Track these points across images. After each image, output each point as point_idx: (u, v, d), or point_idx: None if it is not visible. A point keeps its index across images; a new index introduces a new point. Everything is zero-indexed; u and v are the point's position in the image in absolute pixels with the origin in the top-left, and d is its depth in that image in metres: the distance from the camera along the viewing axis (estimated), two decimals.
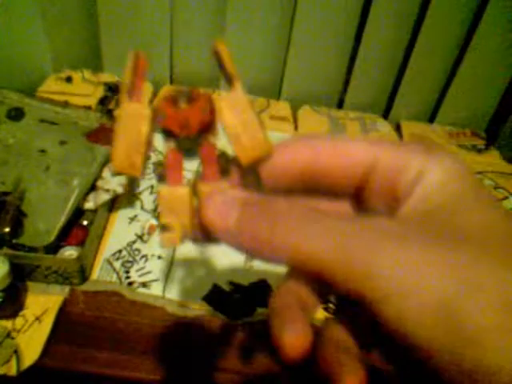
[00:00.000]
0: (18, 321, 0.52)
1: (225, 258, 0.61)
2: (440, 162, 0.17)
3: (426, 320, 0.14)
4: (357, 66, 0.88)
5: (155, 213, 0.65)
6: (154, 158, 0.73)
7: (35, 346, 0.49)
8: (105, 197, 0.60)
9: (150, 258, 0.60)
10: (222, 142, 0.19)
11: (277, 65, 0.91)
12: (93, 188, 0.62)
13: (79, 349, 0.51)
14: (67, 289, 0.55)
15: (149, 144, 0.18)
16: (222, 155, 0.19)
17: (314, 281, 0.18)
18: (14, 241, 0.54)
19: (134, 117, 0.17)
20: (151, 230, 0.64)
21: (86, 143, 0.69)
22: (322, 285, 0.17)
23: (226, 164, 0.19)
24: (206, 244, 0.19)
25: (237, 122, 0.18)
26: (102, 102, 0.83)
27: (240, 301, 0.57)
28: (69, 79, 0.87)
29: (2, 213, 0.56)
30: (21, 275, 0.54)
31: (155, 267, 0.59)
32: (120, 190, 0.61)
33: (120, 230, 0.63)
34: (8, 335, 0.50)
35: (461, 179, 0.17)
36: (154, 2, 0.82)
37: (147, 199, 0.68)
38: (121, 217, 0.65)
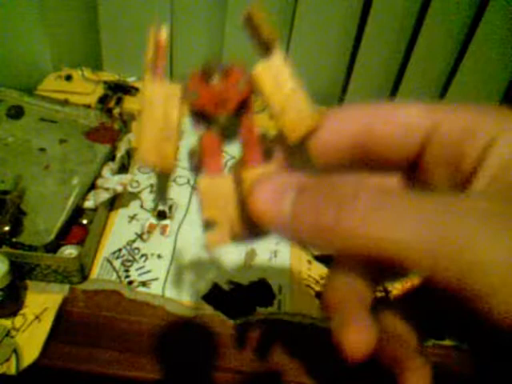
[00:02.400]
0: (18, 319, 0.51)
1: (225, 257, 0.61)
2: None
3: None
4: (357, 66, 0.88)
5: (154, 212, 0.65)
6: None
7: (35, 344, 0.49)
8: (105, 195, 0.60)
9: (149, 257, 0.60)
10: (260, 119, 0.17)
11: None
12: (92, 187, 0.62)
13: (79, 348, 0.50)
14: (67, 287, 0.55)
15: (179, 130, 0.15)
16: (263, 135, 0.17)
17: (373, 270, 0.16)
18: (13, 239, 0.54)
19: (163, 98, 0.15)
20: (151, 228, 0.64)
21: (86, 142, 0.69)
22: (378, 272, 0.15)
23: (267, 145, 0.17)
24: (253, 240, 0.17)
25: (279, 93, 0.16)
26: (102, 100, 0.83)
27: (240, 300, 0.57)
28: (68, 77, 0.87)
29: (2, 211, 0.55)
30: (20, 274, 0.54)
31: (155, 266, 0.59)
32: (120, 188, 0.61)
33: (120, 229, 0.63)
34: (7, 334, 0.50)
35: None
36: (154, 1, 0.82)
37: (147, 198, 0.68)
38: (120, 216, 0.65)
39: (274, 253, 0.63)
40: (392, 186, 0.19)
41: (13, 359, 0.48)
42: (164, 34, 0.15)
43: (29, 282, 0.55)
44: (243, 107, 0.16)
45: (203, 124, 0.16)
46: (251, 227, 0.16)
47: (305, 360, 0.53)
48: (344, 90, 0.94)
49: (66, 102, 0.74)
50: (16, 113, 0.71)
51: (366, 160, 0.18)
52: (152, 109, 0.15)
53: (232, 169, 0.17)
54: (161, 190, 0.17)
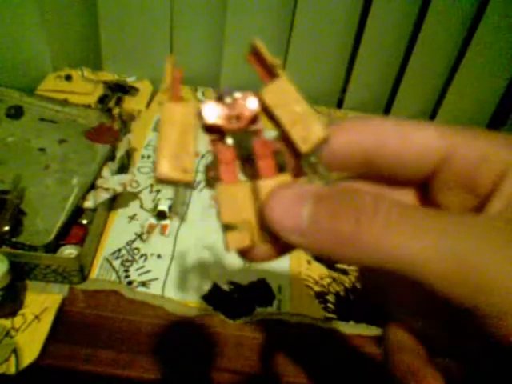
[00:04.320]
0: (17, 319, 0.51)
1: (224, 257, 0.61)
2: None
3: None
4: (356, 66, 0.89)
5: (154, 212, 0.65)
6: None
7: (34, 344, 0.49)
8: (104, 196, 0.60)
9: (149, 257, 0.60)
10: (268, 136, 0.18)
11: None
12: (92, 187, 0.62)
13: (78, 347, 0.50)
14: (66, 288, 0.55)
15: (196, 146, 0.17)
16: (276, 148, 0.18)
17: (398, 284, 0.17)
18: (13, 239, 0.54)
19: (180, 116, 0.16)
20: (150, 228, 0.64)
21: (86, 142, 0.69)
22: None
23: (280, 158, 0.18)
24: (274, 257, 0.17)
25: (288, 109, 0.17)
26: (102, 100, 0.83)
27: (239, 300, 0.57)
28: (68, 77, 0.87)
29: (2, 211, 0.55)
30: (20, 274, 0.54)
31: (154, 266, 0.59)
32: (119, 188, 0.61)
33: (119, 229, 0.63)
34: (7, 334, 0.50)
35: None
36: (153, 2, 0.82)
37: (146, 198, 0.68)
38: (120, 216, 0.65)
39: None
40: (406, 200, 0.19)
41: (12, 359, 0.48)
42: (179, 69, 0.17)
43: (28, 282, 0.55)
44: (252, 124, 0.17)
45: (218, 139, 0.17)
46: (269, 235, 0.17)
47: (304, 360, 0.53)
48: (344, 90, 0.94)
49: (65, 102, 0.74)
50: (16, 113, 0.71)
51: (375, 173, 0.18)
52: (171, 126, 0.16)
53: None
54: (179, 203, 0.18)
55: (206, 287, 0.58)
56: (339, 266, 0.63)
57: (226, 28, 0.84)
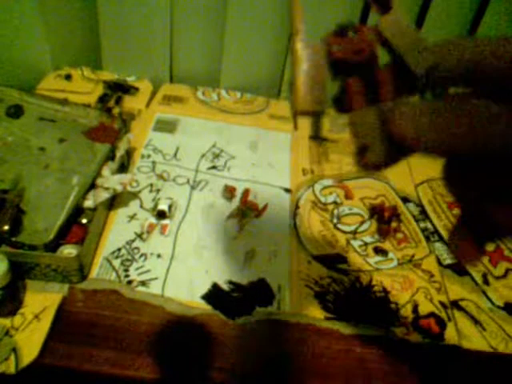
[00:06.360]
0: (17, 319, 0.51)
1: (224, 257, 0.61)
2: None
3: None
4: None
5: (154, 211, 0.65)
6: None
7: (34, 344, 0.49)
8: (104, 195, 0.60)
9: (149, 257, 0.60)
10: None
11: (276, 64, 0.91)
12: (92, 186, 0.62)
13: (78, 347, 0.50)
14: (66, 287, 0.55)
15: (326, 79, 0.19)
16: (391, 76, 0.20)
17: None
18: (13, 239, 0.54)
19: (311, 54, 0.19)
20: (150, 228, 0.64)
21: (86, 141, 0.69)
22: None
23: (396, 83, 0.20)
24: (388, 163, 0.20)
25: (402, 36, 0.19)
26: (102, 99, 0.83)
27: (239, 300, 0.57)
28: (68, 77, 0.87)
29: (1, 211, 0.55)
30: (20, 273, 0.54)
31: (154, 266, 0.59)
32: (119, 188, 0.61)
33: (119, 229, 0.63)
34: (7, 333, 0.50)
35: None
36: (153, 1, 0.82)
37: (146, 198, 0.68)
38: (120, 215, 0.65)
39: (274, 253, 0.63)
40: None
41: (12, 358, 0.48)
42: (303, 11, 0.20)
43: (28, 282, 0.55)
44: (373, 56, 0.20)
45: (344, 71, 0.20)
46: (393, 151, 0.20)
47: (304, 360, 0.53)
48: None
49: (65, 102, 0.74)
50: (15, 112, 0.71)
51: (471, 84, 0.21)
52: (304, 62, 0.19)
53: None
54: (316, 129, 0.21)
55: (206, 287, 0.58)
56: (339, 266, 0.63)
57: (226, 28, 0.84)
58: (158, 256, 0.61)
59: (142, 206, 0.67)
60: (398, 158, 0.20)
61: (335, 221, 0.70)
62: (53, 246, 0.56)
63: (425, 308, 0.60)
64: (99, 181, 0.62)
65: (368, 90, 0.20)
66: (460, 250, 0.23)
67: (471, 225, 0.23)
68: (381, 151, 0.20)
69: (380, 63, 0.20)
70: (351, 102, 0.20)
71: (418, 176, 0.79)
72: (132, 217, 0.65)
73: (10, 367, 0.47)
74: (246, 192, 0.71)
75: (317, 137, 0.23)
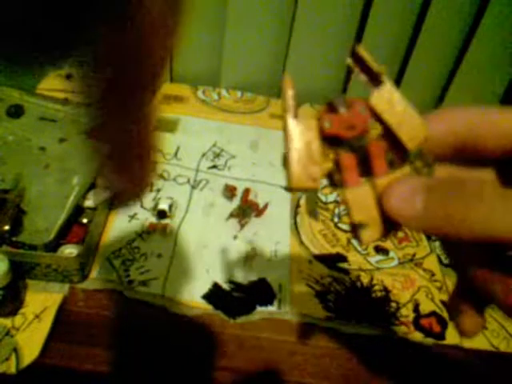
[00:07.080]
0: (18, 319, 0.51)
1: (225, 256, 0.61)
2: None
3: None
4: None
5: (154, 211, 0.65)
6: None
7: (34, 344, 0.49)
8: (104, 195, 0.60)
9: (149, 257, 0.60)
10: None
11: (277, 63, 0.91)
12: (92, 186, 0.62)
13: (78, 347, 0.50)
14: (67, 287, 0.55)
15: (320, 155, 0.19)
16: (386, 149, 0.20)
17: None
18: (13, 238, 0.54)
19: (303, 131, 0.19)
20: (151, 228, 0.64)
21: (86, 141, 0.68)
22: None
23: (390, 156, 0.20)
24: (389, 234, 0.20)
25: (394, 112, 0.19)
26: None
27: (240, 299, 0.57)
28: (69, 76, 0.87)
29: (2, 211, 0.55)
30: (20, 273, 0.53)
31: (155, 265, 0.59)
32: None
33: (120, 228, 0.63)
34: (7, 333, 0.50)
35: None
36: None
37: (147, 197, 0.68)
38: (120, 215, 0.65)
39: (274, 252, 0.63)
40: (485, 178, 0.22)
41: (13, 358, 0.48)
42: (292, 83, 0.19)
43: (29, 281, 0.55)
44: (366, 129, 0.19)
45: (337, 146, 0.19)
46: (389, 223, 0.19)
47: (304, 359, 0.53)
48: (344, 90, 0.93)
49: (66, 101, 0.74)
50: (16, 112, 0.71)
51: (461, 156, 0.21)
52: (297, 139, 0.19)
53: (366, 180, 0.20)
54: (312, 207, 0.20)
55: (207, 286, 0.58)
56: (340, 265, 0.63)
57: (226, 28, 0.84)
58: (159, 256, 0.60)
59: (142, 206, 0.67)
60: (395, 229, 0.20)
61: (336, 220, 0.69)
62: (53, 246, 0.56)
63: (426, 307, 0.59)
64: (99, 180, 0.62)
65: (361, 164, 0.20)
66: (461, 324, 0.23)
67: (466, 295, 0.23)
68: (375, 230, 0.19)
69: (372, 135, 0.20)
70: (344, 178, 0.19)
71: None
72: (132, 216, 0.65)
73: (11, 367, 0.47)
74: (247, 191, 0.71)
75: (313, 212, 0.23)
